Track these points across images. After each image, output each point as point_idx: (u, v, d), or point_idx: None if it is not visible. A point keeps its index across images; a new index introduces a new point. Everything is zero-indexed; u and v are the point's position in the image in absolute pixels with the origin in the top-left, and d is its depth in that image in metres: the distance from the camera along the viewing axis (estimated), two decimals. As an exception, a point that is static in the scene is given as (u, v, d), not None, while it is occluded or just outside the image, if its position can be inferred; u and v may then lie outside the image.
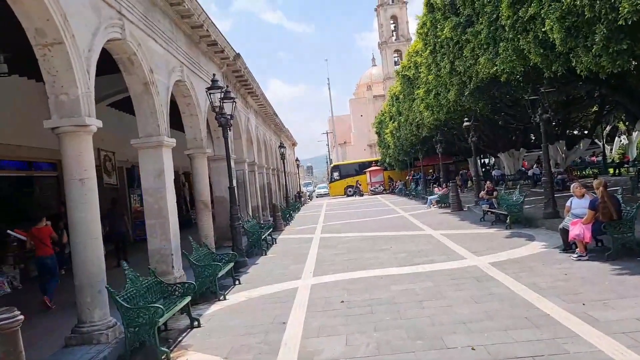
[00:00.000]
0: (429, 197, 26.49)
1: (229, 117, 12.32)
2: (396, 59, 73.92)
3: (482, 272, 8.85)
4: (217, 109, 12.07)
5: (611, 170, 31.15)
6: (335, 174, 58.12)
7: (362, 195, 50.76)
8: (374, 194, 49.85)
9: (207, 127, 15.47)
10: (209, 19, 12.42)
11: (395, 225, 18.59)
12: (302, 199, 48.67)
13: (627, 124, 35.67)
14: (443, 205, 24.15)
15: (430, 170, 44.32)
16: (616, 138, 43.51)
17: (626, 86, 16.55)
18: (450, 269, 9.48)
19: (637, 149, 39.38)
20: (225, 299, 8.99)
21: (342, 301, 7.84)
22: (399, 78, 32.84)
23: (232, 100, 12.46)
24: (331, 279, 9.78)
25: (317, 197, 65.98)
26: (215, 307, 8.54)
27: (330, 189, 59.88)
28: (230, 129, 13.31)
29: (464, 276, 8.68)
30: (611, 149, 42.36)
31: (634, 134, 38.55)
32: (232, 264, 10.35)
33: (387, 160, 50.22)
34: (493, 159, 42.89)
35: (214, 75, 12.38)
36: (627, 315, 5.55)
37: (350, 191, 54.94)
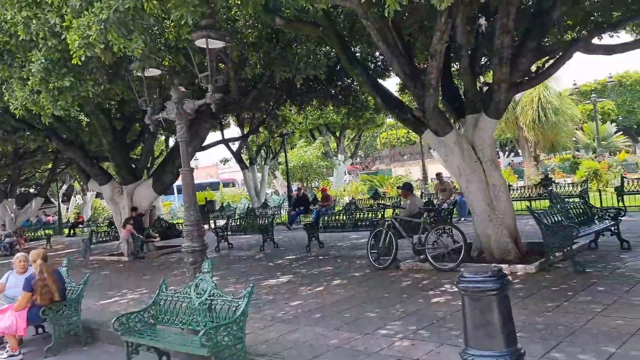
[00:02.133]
0: None
1: None
2: None
3: None
4: None
5: (67, 231, 30.04)
6: None
7: None
8: None
9: None
10: None
11: None
12: None
13: (82, 183, 35.80)
14: None
15: None
16: (72, 197, 43.38)
17: (80, 142, 15.70)
18: None
19: (91, 209, 40.29)
20: None
21: None
22: None
23: None
24: None
25: None
26: None
27: None
28: None
29: None
30: (67, 209, 41.76)
31: (89, 194, 39.31)
32: None
33: None
34: None
35: None
36: None
37: None
